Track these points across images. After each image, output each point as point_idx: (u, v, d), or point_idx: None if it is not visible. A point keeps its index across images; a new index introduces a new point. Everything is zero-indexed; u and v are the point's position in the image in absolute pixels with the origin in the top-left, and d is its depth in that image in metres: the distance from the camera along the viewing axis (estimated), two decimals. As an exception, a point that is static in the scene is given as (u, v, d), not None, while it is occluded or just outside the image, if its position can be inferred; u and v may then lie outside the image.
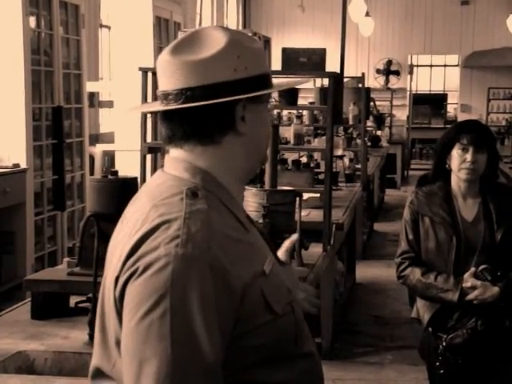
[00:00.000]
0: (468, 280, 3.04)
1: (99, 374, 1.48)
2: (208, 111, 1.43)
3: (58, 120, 6.79)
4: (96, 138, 8.36)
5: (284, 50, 5.03)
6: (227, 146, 1.46)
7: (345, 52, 8.30)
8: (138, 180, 3.49)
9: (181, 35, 1.48)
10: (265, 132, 1.54)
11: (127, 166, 6.86)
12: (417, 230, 3.17)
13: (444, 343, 3.07)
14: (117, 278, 1.38)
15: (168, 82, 1.46)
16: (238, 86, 1.44)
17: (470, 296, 3.03)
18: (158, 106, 1.48)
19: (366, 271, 7.91)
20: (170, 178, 1.47)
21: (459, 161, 3.08)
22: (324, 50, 4.67)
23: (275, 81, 1.56)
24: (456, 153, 3.09)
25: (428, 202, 3.16)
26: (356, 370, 5.12)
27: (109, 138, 8.87)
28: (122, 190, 2.97)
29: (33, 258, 6.39)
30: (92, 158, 7.83)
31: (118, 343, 1.40)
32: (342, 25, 8.57)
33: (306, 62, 4.51)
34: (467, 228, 3.12)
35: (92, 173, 7.69)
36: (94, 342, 1.51)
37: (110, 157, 8.51)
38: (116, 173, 3.09)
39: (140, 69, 4.94)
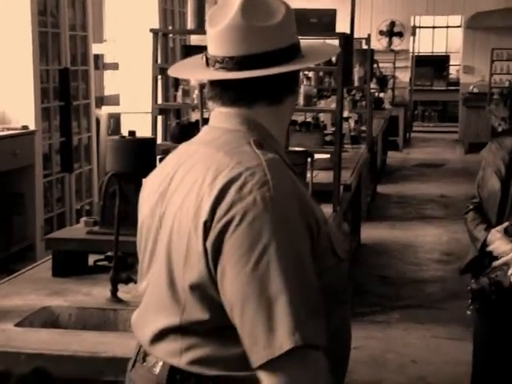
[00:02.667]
0: (495, 233, 3.04)
1: (162, 336, 1.51)
2: (281, 74, 1.50)
3: (65, 82, 6.78)
4: (101, 101, 8.36)
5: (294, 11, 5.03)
6: (286, 105, 1.56)
7: (353, 12, 8.23)
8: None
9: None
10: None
11: (133, 127, 6.86)
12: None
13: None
14: (205, 223, 1.42)
15: (239, 47, 1.49)
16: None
17: (489, 247, 3.05)
18: (216, 71, 1.51)
19: (370, 232, 7.98)
20: (228, 130, 1.52)
21: None
22: (334, 10, 4.67)
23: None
24: None
25: (495, 152, 3.16)
26: (364, 329, 5.20)
27: (114, 100, 8.87)
28: (141, 150, 3.03)
29: (42, 220, 6.44)
30: (98, 120, 7.84)
31: (193, 287, 1.44)
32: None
33: (316, 22, 4.51)
34: None
35: (98, 135, 7.71)
36: (149, 300, 1.56)
37: (115, 119, 8.52)
38: (134, 133, 3.14)
39: (151, 30, 4.93)
